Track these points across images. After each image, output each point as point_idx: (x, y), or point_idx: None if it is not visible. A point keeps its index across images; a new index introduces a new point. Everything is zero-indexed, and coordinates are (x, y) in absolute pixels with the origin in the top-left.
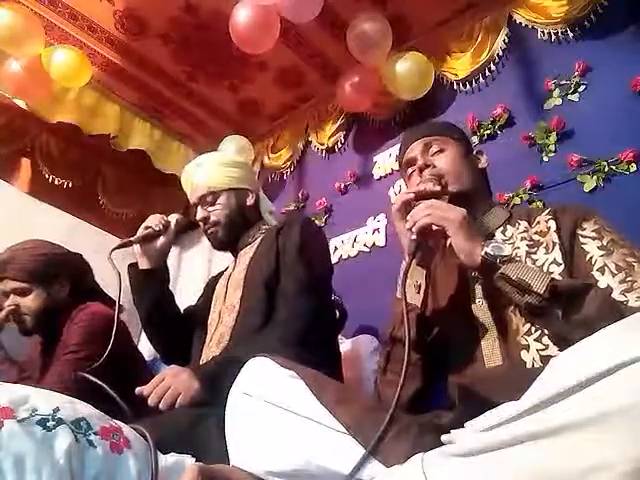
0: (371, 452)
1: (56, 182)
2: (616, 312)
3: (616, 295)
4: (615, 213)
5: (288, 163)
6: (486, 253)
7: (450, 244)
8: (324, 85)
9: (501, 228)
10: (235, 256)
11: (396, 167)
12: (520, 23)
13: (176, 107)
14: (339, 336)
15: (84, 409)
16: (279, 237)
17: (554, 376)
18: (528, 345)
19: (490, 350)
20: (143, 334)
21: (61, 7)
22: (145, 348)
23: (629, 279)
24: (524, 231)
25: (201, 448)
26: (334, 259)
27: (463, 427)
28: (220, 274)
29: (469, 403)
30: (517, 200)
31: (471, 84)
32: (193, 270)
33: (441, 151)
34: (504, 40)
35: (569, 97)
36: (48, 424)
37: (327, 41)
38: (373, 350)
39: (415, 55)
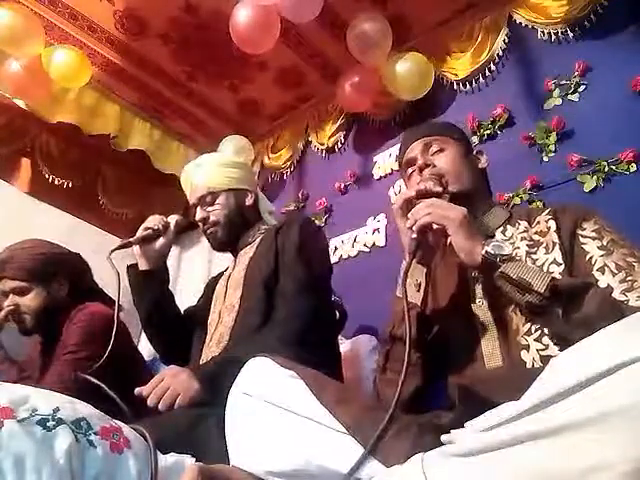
0: (371, 452)
1: (56, 182)
2: (616, 311)
3: (616, 295)
4: (615, 213)
5: (288, 163)
6: (486, 252)
7: (450, 243)
8: (324, 85)
9: (501, 228)
10: (235, 256)
11: (396, 167)
12: (520, 23)
13: (176, 107)
14: (339, 337)
15: (84, 409)
16: (278, 237)
17: (554, 376)
18: (528, 345)
19: (490, 350)
20: (143, 334)
21: (61, 7)
22: (145, 348)
23: (629, 279)
24: (524, 231)
25: (201, 448)
26: (334, 259)
27: (463, 427)
28: (220, 274)
29: (469, 403)
30: (517, 200)
31: (471, 84)
32: (193, 270)
33: (441, 151)
34: (504, 40)
35: (569, 97)
36: (48, 424)
37: (327, 41)
38: (372, 349)
39: (415, 55)
